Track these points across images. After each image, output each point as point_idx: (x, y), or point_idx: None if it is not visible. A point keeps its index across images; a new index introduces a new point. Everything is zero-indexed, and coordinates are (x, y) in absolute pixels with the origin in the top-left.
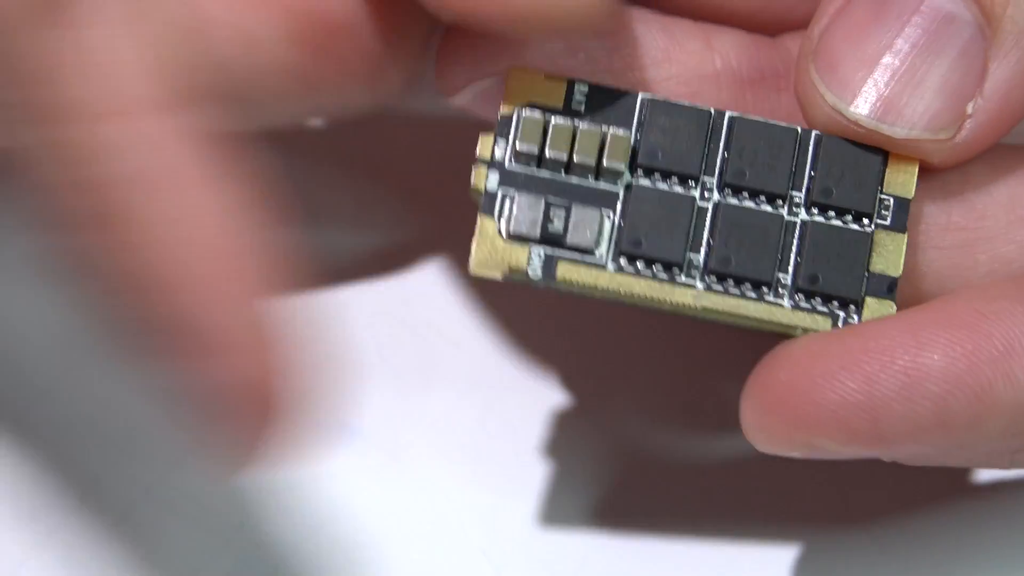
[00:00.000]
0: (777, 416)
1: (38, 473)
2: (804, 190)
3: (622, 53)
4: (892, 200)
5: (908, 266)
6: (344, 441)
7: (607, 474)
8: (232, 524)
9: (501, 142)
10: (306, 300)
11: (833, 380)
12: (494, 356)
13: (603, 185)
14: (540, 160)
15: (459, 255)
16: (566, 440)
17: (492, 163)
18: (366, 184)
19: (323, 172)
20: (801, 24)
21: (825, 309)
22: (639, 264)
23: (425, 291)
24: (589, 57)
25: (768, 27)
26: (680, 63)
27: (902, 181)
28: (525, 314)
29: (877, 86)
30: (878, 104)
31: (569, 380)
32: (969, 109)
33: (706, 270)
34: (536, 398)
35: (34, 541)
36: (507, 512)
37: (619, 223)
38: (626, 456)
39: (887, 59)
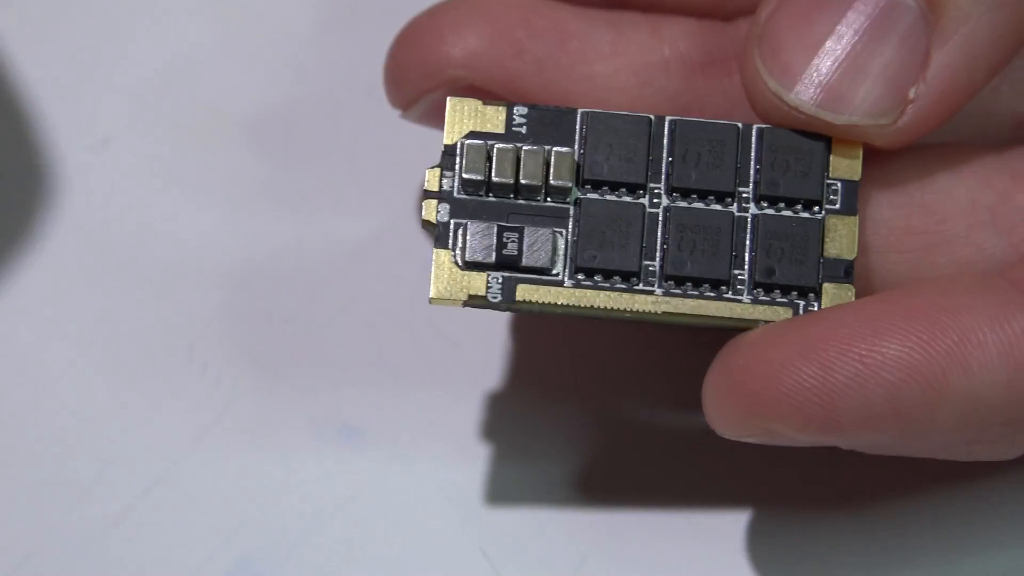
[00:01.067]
0: (734, 401)
1: (39, 472)
2: (751, 184)
3: (569, 50)
4: (840, 184)
5: (867, 271)
6: (344, 441)
7: (608, 474)
8: (232, 524)
9: (448, 173)
10: (307, 299)
11: (790, 366)
12: (494, 356)
13: (553, 204)
14: (488, 186)
15: None
16: (566, 440)
17: (441, 195)
18: (366, 184)
19: (324, 172)
20: (755, 8)
21: (785, 300)
22: (597, 277)
23: (425, 291)
24: (535, 58)
25: (721, 14)
26: (628, 54)
27: (848, 165)
28: (524, 315)
29: (819, 72)
30: (819, 91)
31: (570, 381)
32: (911, 94)
33: (663, 275)
34: (536, 398)
35: (35, 539)
36: (507, 512)
37: (572, 239)
38: (627, 457)
39: (829, 44)
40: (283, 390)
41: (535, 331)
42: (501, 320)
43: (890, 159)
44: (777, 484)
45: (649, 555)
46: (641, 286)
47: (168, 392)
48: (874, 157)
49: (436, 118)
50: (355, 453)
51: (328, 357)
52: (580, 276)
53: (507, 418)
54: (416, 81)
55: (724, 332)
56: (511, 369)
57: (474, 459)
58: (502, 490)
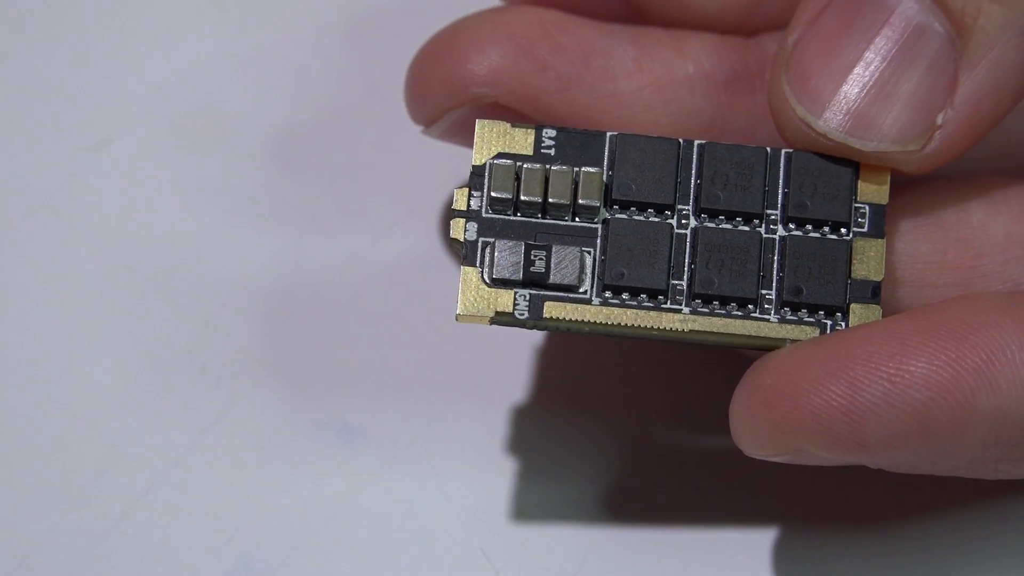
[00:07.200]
0: (763, 421)
1: (39, 472)
2: (779, 207)
3: (593, 67)
4: (867, 208)
5: (902, 305)
6: (344, 442)
7: (607, 474)
8: (232, 524)
9: (476, 193)
10: (307, 300)
11: (818, 386)
12: (494, 358)
13: (581, 223)
14: (516, 206)
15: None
16: (566, 440)
17: (469, 214)
18: (368, 188)
19: (325, 176)
20: (779, 24)
21: (812, 319)
22: (624, 295)
23: (425, 291)
24: (558, 75)
25: (744, 30)
26: (652, 71)
27: (875, 189)
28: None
29: (847, 99)
30: (847, 118)
31: (569, 381)
32: (939, 120)
33: (691, 294)
34: (536, 398)
35: (35, 539)
36: (507, 512)
37: (600, 258)
38: (626, 457)
39: (857, 71)
40: (283, 391)
41: (534, 336)
42: None
43: (926, 193)
44: (783, 498)
45: (649, 558)
46: (668, 304)
47: (168, 393)
48: (910, 190)
49: (458, 135)
50: (355, 454)
51: (328, 358)
52: (608, 294)
53: (508, 419)
54: (439, 98)
55: (749, 352)
56: (511, 370)
57: (474, 460)
58: (502, 490)
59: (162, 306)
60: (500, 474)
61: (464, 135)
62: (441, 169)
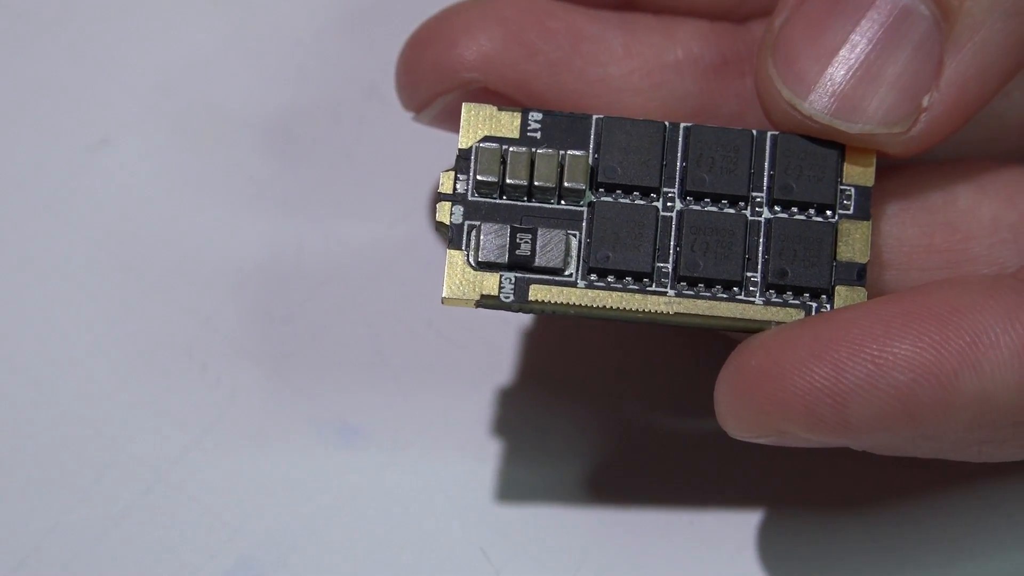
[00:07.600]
0: (747, 402)
1: (39, 472)
2: (765, 189)
3: (582, 52)
4: (853, 190)
5: (888, 288)
6: (344, 441)
7: (608, 474)
8: (232, 524)
9: (462, 176)
10: (307, 298)
11: (802, 367)
12: (494, 356)
13: (566, 206)
14: (502, 189)
15: None
16: (566, 440)
17: (455, 197)
18: (367, 184)
19: (324, 173)
20: (769, 11)
21: (797, 302)
22: (609, 278)
23: (425, 291)
24: (548, 60)
25: (734, 16)
26: (641, 56)
27: (861, 171)
28: (527, 316)
29: (833, 81)
30: (833, 100)
31: (569, 380)
32: (925, 102)
33: (676, 277)
34: (536, 399)
35: (35, 539)
36: (507, 512)
37: (586, 240)
38: (627, 456)
39: (843, 53)
40: (283, 390)
41: (534, 332)
42: (500, 321)
43: (913, 176)
44: (778, 485)
45: (649, 555)
46: (654, 287)
47: (168, 392)
48: (897, 173)
49: (449, 121)
50: (355, 453)
51: (328, 357)
52: (593, 277)
53: (507, 418)
54: (429, 84)
55: (734, 334)
56: (511, 369)
57: (473, 459)
58: (502, 490)
59: (162, 305)
60: (500, 474)
61: (455, 121)
62: (440, 165)
